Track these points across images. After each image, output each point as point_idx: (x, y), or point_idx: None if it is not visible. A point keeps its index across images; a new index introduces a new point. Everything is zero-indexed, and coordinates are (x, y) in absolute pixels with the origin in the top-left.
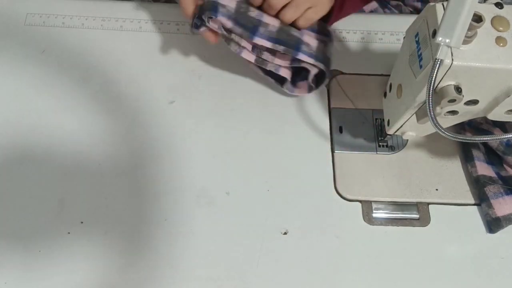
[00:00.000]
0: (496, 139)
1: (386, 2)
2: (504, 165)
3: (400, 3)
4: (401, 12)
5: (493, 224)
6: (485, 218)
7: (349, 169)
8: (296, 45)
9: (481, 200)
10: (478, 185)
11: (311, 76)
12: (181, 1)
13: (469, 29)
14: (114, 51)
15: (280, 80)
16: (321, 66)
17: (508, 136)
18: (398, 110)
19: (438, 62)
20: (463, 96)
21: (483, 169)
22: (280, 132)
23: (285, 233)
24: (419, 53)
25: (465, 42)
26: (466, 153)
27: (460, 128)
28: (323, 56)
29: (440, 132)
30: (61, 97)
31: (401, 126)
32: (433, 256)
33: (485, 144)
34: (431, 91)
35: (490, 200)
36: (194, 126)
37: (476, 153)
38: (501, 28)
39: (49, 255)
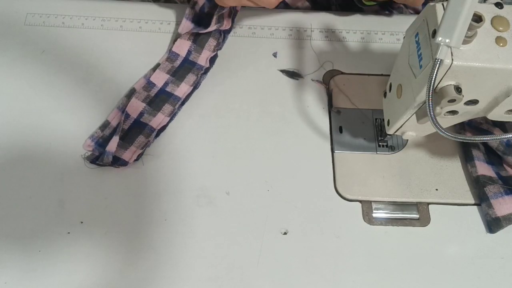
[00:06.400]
0: (496, 139)
1: (387, 5)
2: (504, 165)
3: (402, 5)
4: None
5: (493, 224)
6: (485, 218)
7: (349, 169)
8: None
9: (481, 200)
10: (478, 185)
11: None
12: None
13: (469, 29)
14: (114, 51)
15: None
16: None
17: (508, 136)
18: (398, 110)
19: (438, 62)
20: (463, 96)
21: (483, 169)
22: (280, 132)
23: (285, 233)
24: (419, 53)
25: (465, 42)
26: (466, 153)
27: (460, 128)
28: None
29: (440, 132)
30: (61, 97)
31: (401, 126)
32: (433, 256)
33: (485, 144)
34: (431, 91)
35: (490, 200)
36: (194, 126)
37: (476, 153)
38: (501, 28)
39: (49, 255)
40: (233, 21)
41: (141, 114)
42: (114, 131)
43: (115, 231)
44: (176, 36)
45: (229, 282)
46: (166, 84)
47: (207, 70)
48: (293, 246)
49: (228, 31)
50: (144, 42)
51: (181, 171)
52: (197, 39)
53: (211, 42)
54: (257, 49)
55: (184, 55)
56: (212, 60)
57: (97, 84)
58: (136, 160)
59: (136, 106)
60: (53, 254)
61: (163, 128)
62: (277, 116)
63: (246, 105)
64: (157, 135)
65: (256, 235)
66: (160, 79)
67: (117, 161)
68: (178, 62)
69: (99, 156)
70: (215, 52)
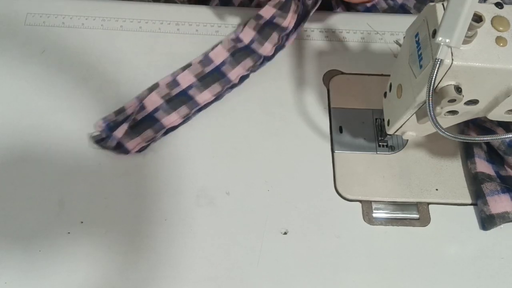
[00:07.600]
0: (496, 139)
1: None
2: (505, 166)
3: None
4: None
5: (487, 221)
6: (479, 215)
7: (349, 169)
8: None
9: (477, 197)
10: (475, 182)
11: None
12: None
13: (469, 29)
14: (114, 51)
15: None
16: None
17: (508, 136)
18: (398, 110)
19: (438, 62)
20: (463, 96)
21: (483, 166)
22: (280, 132)
23: (285, 233)
24: (419, 53)
25: (465, 42)
26: (467, 150)
27: (464, 125)
28: None
29: (440, 132)
30: (61, 97)
31: (401, 126)
32: (433, 256)
33: (487, 143)
34: (431, 91)
35: (486, 197)
36: (194, 126)
37: (477, 151)
38: (501, 28)
39: (49, 255)
40: (276, 52)
41: (156, 109)
42: (127, 118)
43: (115, 231)
44: (218, 42)
45: (229, 282)
46: (190, 87)
47: (234, 85)
48: (293, 246)
49: (268, 58)
50: (144, 42)
51: (181, 171)
52: (236, 54)
53: (248, 62)
54: None
55: (217, 64)
56: (242, 79)
57: (97, 84)
58: (139, 151)
59: (154, 101)
60: (53, 254)
61: (173, 128)
62: (277, 116)
63: (246, 105)
64: (166, 133)
65: (256, 235)
66: (186, 80)
67: (119, 147)
68: (209, 69)
69: (104, 138)
70: (248, 72)
